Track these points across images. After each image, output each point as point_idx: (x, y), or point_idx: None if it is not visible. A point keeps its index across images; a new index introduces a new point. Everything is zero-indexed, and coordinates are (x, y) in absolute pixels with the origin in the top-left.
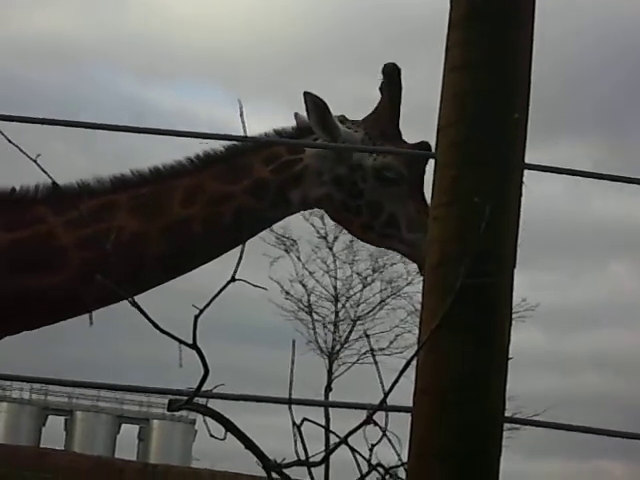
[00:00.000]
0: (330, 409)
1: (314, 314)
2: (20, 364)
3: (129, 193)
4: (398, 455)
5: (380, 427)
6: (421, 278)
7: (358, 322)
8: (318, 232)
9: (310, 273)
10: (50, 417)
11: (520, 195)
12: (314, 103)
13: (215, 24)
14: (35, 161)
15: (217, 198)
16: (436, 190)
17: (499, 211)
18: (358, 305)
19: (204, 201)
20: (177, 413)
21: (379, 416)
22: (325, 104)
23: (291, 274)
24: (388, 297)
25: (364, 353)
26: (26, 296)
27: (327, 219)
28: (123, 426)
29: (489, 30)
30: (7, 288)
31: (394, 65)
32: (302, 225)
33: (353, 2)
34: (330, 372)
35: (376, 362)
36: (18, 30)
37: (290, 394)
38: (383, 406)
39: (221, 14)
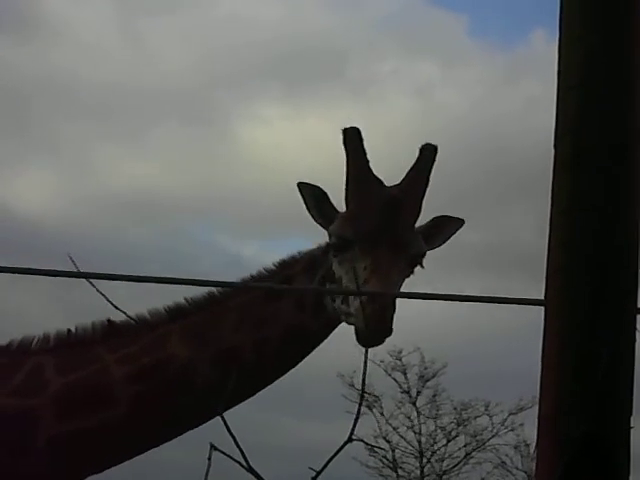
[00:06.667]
0: None
1: (399, 470)
2: None
3: (183, 321)
4: None
5: None
6: (505, 430)
7: (444, 477)
8: (401, 387)
9: (394, 429)
10: None
11: (634, 343)
12: (309, 193)
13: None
14: (117, 307)
15: (263, 319)
16: (547, 339)
17: (614, 360)
18: (443, 460)
19: (251, 324)
20: None
21: None
22: (322, 191)
23: (375, 430)
24: (473, 450)
25: None
26: (84, 438)
27: (410, 373)
28: None
29: None
30: (62, 434)
31: (354, 128)
32: (384, 381)
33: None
34: None
35: None
36: (106, 185)
37: None
38: None
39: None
